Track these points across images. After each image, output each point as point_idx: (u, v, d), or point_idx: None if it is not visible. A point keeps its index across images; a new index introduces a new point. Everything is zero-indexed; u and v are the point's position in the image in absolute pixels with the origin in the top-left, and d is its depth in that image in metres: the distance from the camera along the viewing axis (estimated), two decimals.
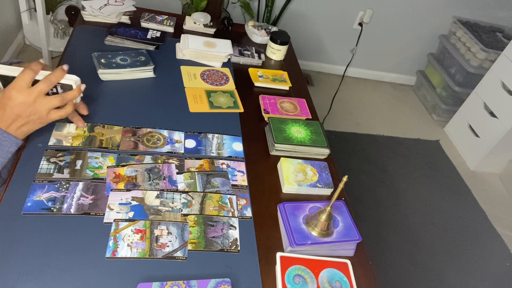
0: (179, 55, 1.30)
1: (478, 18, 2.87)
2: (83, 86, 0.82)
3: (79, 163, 0.86)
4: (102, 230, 0.75)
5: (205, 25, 1.46)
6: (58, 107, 0.78)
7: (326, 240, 0.82)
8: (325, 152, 1.06)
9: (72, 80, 0.80)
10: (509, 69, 2.36)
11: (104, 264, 0.70)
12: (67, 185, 0.81)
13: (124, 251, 0.73)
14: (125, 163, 0.89)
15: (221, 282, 0.71)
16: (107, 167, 0.87)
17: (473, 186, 2.46)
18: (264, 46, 1.49)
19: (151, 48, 1.29)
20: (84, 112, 0.89)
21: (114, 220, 0.77)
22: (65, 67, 0.79)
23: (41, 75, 0.77)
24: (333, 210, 0.86)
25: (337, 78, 3.05)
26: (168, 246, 0.76)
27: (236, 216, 0.85)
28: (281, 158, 1.00)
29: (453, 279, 1.88)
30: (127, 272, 0.70)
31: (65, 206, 0.77)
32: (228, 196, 0.88)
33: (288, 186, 0.93)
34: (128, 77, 1.14)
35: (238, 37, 1.51)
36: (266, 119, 1.13)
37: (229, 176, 0.93)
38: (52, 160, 0.85)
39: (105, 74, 1.11)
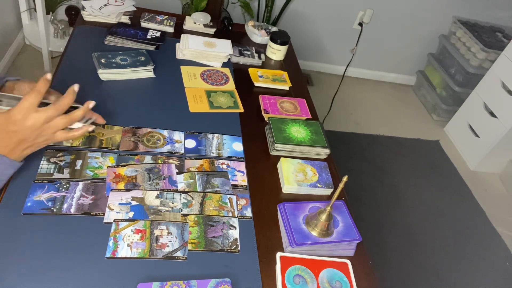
0: (179, 55, 1.30)
1: (478, 18, 2.87)
2: (91, 103, 0.75)
3: (79, 163, 0.86)
4: (102, 230, 0.75)
5: (205, 25, 1.46)
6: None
7: (326, 240, 0.82)
8: (325, 152, 1.06)
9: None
10: (509, 69, 2.36)
11: (104, 264, 0.70)
12: (67, 185, 0.81)
13: (124, 251, 0.73)
14: (125, 163, 0.89)
15: (221, 282, 0.71)
16: (107, 167, 0.87)
17: (473, 186, 2.46)
18: (264, 46, 1.49)
19: (151, 48, 1.29)
20: (101, 121, 0.84)
21: (114, 220, 0.77)
22: (76, 88, 0.73)
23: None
24: (333, 210, 0.86)
25: (337, 78, 3.05)
26: (168, 246, 0.76)
27: (236, 216, 0.85)
28: (281, 158, 1.00)
29: (453, 279, 1.88)
30: (127, 272, 0.70)
31: (65, 206, 0.77)
32: (228, 196, 0.88)
33: (288, 186, 0.93)
34: (128, 77, 1.14)
35: (238, 37, 1.51)
36: (266, 119, 1.13)
37: (229, 176, 0.93)
38: (52, 160, 0.85)
39: (105, 74, 1.11)
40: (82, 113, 0.74)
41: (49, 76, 0.71)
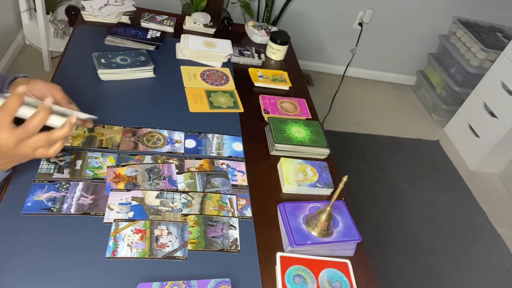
0: (179, 55, 1.30)
1: (478, 18, 2.87)
2: (74, 119, 0.68)
3: (79, 163, 0.86)
4: (102, 230, 0.75)
5: (205, 25, 1.46)
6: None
7: (326, 240, 0.82)
8: (325, 152, 1.06)
9: (62, 118, 0.69)
10: (509, 69, 2.36)
11: (104, 264, 0.70)
12: (67, 185, 0.81)
13: (124, 251, 0.73)
14: (125, 163, 0.89)
15: (221, 282, 0.71)
16: (107, 167, 0.87)
17: (473, 186, 2.46)
18: (264, 46, 1.49)
19: (151, 48, 1.29)
20: (89, 125, 0.80)
21: (114, 220, 0.77)
22: (48, 102, 0.65)
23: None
24: (333, 210, 0.86)
25: (337, 78, 3.05)
26: (168, 246, 0.76)
27: (236, 216, 0.85)
28: (281, 158, 1.00)
29: (453, 279, 1.88)
30: (127, 272, 0.70)
31: (65, 206, 0.77)
32: (228, 196, 0.88)
33: (288, 186, 0.93)
34: (128, 77, 1.14)
35: (238, 37, 1.51)
36: (266, 119, 1.13)
37: (229, 176, 0.93)
38: (52, 160, 0.85)
39: (105, 74, 1.11)
40: (63, 133, 0.68)
41: (21, 89, 0.65)
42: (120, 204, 0.80)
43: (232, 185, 0.92)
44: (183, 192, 0.86)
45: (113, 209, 0.79)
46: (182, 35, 1.35)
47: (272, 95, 1.23)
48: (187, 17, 1.49)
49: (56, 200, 0.78)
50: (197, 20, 1.46)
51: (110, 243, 0.74)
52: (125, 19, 1.39)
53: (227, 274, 0.74)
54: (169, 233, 0.78)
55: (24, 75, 0.82)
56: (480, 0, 2.82)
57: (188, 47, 1.29)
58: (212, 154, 0.98)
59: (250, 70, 1.34)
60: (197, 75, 1.24)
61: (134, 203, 0.81)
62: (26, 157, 0.68)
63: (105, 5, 1.39)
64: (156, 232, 0.77)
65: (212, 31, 1.47)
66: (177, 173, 0.90)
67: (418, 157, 2.58)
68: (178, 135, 1.00)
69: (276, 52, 1.43)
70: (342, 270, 0.79)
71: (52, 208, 0.76)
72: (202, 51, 1.30)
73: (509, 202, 2.44)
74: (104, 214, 0.78)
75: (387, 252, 1.93)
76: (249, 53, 1.40)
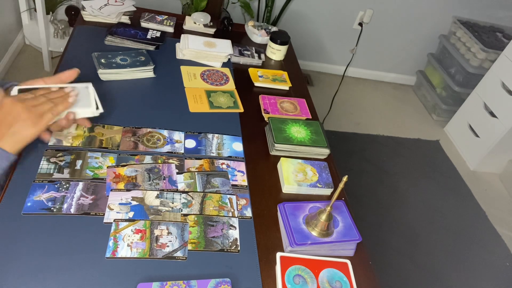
0: (179, 55, 1.30)
1: (478, 18, 2.87)
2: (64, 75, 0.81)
3: (79, 163, 0.86)
4: (102, 230, 0.75)
5: (205, 25, 1.46)
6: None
7: (326, 240, 0.82)
8: (325, 152, 1.06)
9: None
10: (509, 69, 2.36)
11: (104, 264, 0.70)
12: (67, 185, 0.81)
13: (124, 251, 0.73)
14: (125, 163, 0.89)
15: (221, 282, 0.71)
16: (107, 167, 0.87)
17: (473, 186, 2.46)
18: (264, 46, 1.49)
19: (151, 48, 1.29)
20: (87, 124, 0.84)
21: (114, 220, 0.77)
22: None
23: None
24: (333, 210, 0.86)
25: (337, 78, 3.05)
26: (168, 246, 0.76)
27: (236, 216, 0.85)
28: (281, 158, 1.00)
29: (453, 279, 1.88)
30: (127, 272, 0.70)
31: (65, 206, 0.77)
32: (228, 196, 0.88)
33: (288, 186, 0.93)
34: (128, 77, 1.14)
35: (238, 37, 1.51)
36: (266, 119, 1.13)
37: (229, 176, 0.93)
38: (52, 160, 0.85)
39: (105, 74, 1.11)
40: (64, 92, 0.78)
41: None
42: (120, 204, 0.80)
43: (232, 185, 0.92)
44: (183, 192, 0.86)
45: (113, 209, 0.79)
46: (182, 35, 1.35)
47: (272, 95, 1.23)
48: (187, 17, 1.49)
49: (56, 200, 0.78)
50: (197, 20, 1.46)
51: (110, 243, 0.74)
52: (125, 19, 1.39)
53: (227, 274, 0.74)
54: (169, 233, 0.78)
55: (12, 83, 0.81)
56: (480, 0, 2.82)
57: (188, 47, 1.29)
58: (212, 154, 0.98)
59: (250, 70, 1.34)
60: (197, 75, 1.24)
61: (134, 203, 0.81)
62: (36, 118, 0.71)
63: (105, 5, 1.39)
64: (156, 232, 0.77)
65: (212, 31, 1.47)
66: (177, 173, 0.90)
67: (418, 157, 2.58)
68: (178, 135, 1.00)
69: (276, 52, 1.43)
70: (342, 270, 0.79)
71: (52, 208, 0.76)
72: (202, 51, 1.30)
73: (509, 202, 2.44)
74: (104, 214, 0.78)
75: (387, 252, 1.93)
76: (249, 53, 1.40)
